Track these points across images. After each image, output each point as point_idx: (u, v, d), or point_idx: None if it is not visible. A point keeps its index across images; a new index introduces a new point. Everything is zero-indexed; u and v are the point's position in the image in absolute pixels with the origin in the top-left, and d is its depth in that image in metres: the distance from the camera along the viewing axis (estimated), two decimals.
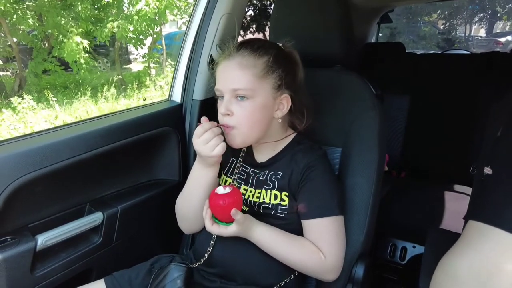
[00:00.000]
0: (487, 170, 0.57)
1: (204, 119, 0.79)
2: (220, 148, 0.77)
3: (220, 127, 0.79)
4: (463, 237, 0.55)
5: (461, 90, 1.74)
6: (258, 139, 0.84)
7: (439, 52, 3.30)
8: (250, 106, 0.77)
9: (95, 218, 0.98)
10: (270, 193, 0.83)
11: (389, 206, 1.45)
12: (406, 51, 2.04)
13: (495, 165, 0.56)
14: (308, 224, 0.80)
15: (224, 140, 0.79)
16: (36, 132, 0.97)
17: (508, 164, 0.55)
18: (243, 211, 0.79)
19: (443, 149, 1.69)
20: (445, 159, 1.70)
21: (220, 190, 0.76)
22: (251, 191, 0.86)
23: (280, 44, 0.87)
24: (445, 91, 1.78)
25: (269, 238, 0.79)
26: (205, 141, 0.77)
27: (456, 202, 1.47)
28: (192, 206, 0.89)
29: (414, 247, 1.50)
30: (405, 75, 1.88)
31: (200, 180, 0.86)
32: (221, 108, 0.79)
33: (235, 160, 0.92)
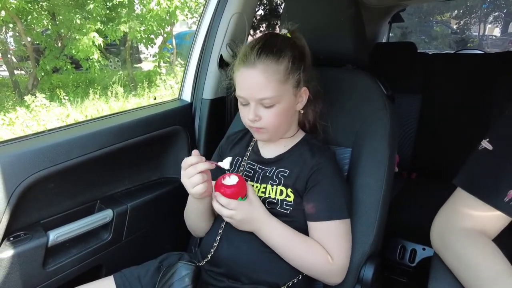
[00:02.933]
0: (485, 144, 0.68)
1: (194, 152, 0.78)
2: (199, 188, 0.75)
3: (214, 164, 0.78)
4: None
5: (474, 90, 1.70)
6: (283, 135, 0.88)
7: (452, 52, 3.25)
8: (276, 111, 0.79)
9: (105, 215, 0.99)
10: (276, 189, 0.83)
11: (399, 207, 1.43)
12: (418, 51, 2.01)
13: (493, 140, 0.67)
14: (316, 226, 0.80)
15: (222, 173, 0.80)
16: (49, 130, 0.99)
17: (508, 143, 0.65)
18: None
19: (455, 150, 1.66)
20: (457, 160, 1.66)
21: (226, 180, 0.77)
22: (257, 187, 0.86)
23: (286, 31, 0.85)
24: (457, 92, 1.75)
25: (278, 234, 0.78)
26: (188, 176, 0.76)
27: None
28: (193, 220, 0.92)
29: (424, 249, 1.48)
30: (416, 75, 1.85)
31: (193, 206, 0.88)
32: (250, 114, 0.79)
33: (240, 159, 0.92)
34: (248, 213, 0.77)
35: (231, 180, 0.78)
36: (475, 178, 0.68)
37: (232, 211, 0.76)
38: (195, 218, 0.90)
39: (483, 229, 0.66)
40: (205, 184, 0.76)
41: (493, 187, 0.65)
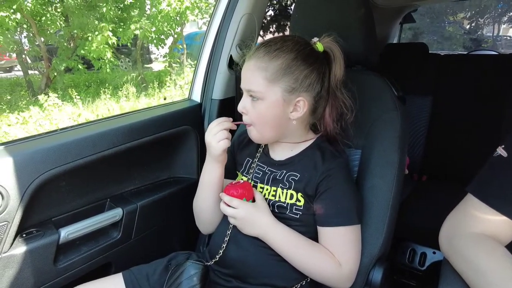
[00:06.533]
0: (500, 150, 0.67)
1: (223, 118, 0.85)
2: (224, 143, 0.81)
3: (236, 124, 0.84)
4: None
5: (487, 92, 1.67)
6: (275, 137, 0.85)
7: (465, 52, 3.20)
8: (260, 107, 0.79)
9: (115, 213, 1.01)
10: (286, 192, 0.83)
11: (409, 210, 1.41)
12: (430, 51, 1.99)
13: (509, 147, 0.61)
14: (326, 232, 0.79)
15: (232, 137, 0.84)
16: (61, 129, 1.01)
17: None
18: None
19: (466, 152, 1.64)
20: (468, 162, 1.64)
21: (233, 183, 0.83)
22: (267, 189, 0.86)
23: (317, 40, 0.83)
24: (470, 93, 1.72)
25: (284, 240, 0.78)
26: (214, 133, 0.81)
27: None
28: (203, 206, 0.91)
29: (434, 253, 1.46)
30: (428, 76, 1.83)
31: (207, 178, 0.88)
32: (239, 105, 0.82)
33: (251, 160, 0.92)
34: (250, 214, 0.79)
35: (239, 183, 0.82)
36: (489, 186, 0.67)
37: (235, 209, 0.79)
38: (205, 194, 0.89)
39: (494, 235, 0.64)
40: (229, 141, 0.82)
41: (508, 197, 0.63)
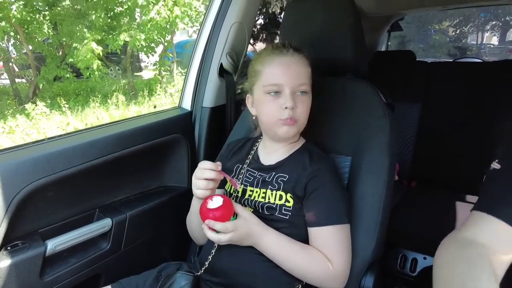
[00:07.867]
0: (494, 165, 0.66)
1: (219, 163, 0.80)
2: (199, 193, 0.78)
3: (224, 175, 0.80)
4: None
5: (474, 99, 1.71)
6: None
7: (451, 60, 3.27)
8: (307, 101, 0.85)
9: (104, 224, 0.99)
10: (276, 194, 0.83)
11: (400, 216, 1.42)
12: (417, 59, 2.03)
13: (501, 159, 0.65)
14: (316, 232, 0.80)
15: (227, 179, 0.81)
16: (48, 138, 0.99)
17: None
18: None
19: (455, 158, 1.66)
20: (456, 168, 1.67)
21: (209, 204, 0.75)
22: (256, 192, 0.86)
23: None
24: (457, 100, 1.75)
25: (276, 245, 0.78)
26: (195, 177, 0.80)
27: (467, 212, 1.42)
28: (193, 227, 0.93)
29: (425, 258, 1.47)
30: (415, 83, 1.86)
31: (195, 209, 0.88)
32: (288, 102, 0.80)
33: (240, 166, 0.93)
34: (245, 230, 0.76)
35: (215, 202, 0.74)
36: (492, 199, 0.66)
37: (230, 233, 0.74)
38: (196, 220, 0.89)
39: (488, 243, 0.62)
40: (206, 191, 0.79)
41: (509, 204, 0.62)
